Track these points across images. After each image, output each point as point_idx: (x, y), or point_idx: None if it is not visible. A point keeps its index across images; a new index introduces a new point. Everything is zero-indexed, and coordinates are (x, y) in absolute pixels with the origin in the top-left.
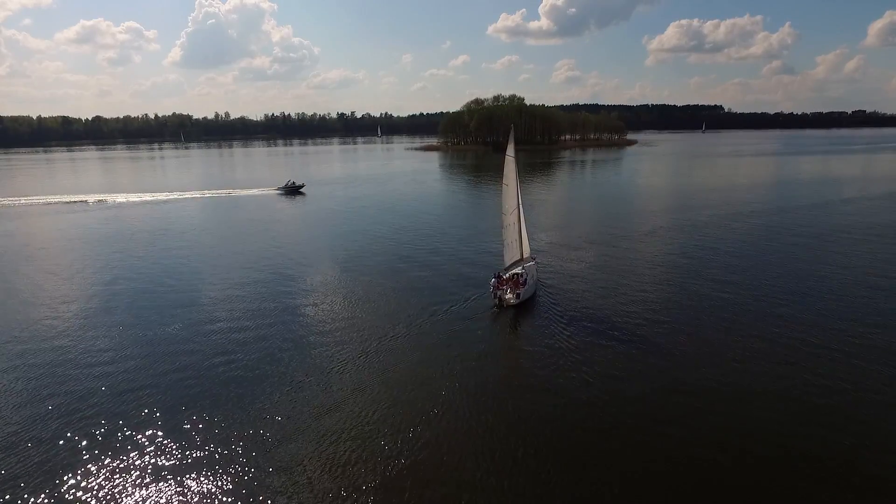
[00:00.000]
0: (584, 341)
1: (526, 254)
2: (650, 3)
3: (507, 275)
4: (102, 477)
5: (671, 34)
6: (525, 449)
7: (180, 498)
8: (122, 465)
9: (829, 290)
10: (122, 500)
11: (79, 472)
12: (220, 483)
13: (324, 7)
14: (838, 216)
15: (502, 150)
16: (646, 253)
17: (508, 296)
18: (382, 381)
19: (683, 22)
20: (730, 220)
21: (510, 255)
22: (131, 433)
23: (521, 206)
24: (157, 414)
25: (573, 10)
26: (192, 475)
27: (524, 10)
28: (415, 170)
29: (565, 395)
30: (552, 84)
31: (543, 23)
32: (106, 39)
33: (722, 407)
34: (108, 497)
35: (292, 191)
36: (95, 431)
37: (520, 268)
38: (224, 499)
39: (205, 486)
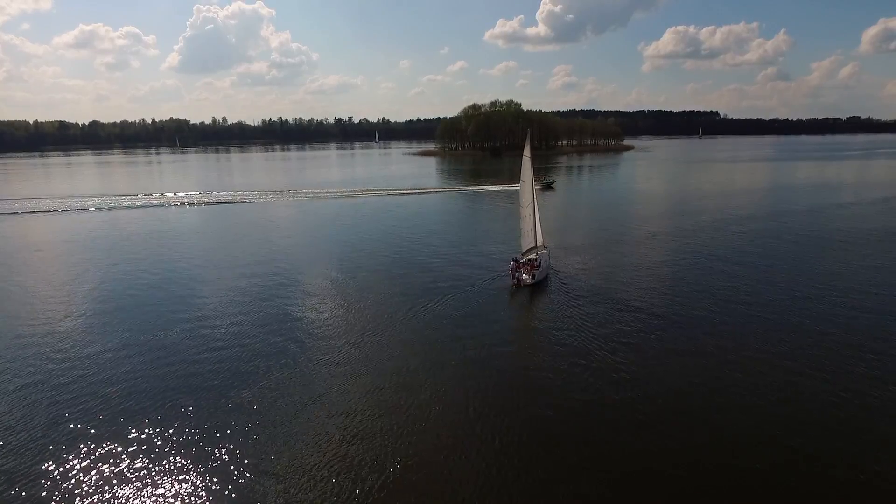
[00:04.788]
0: (586, 316)
1: (539, 242)
2: (647, 9)
3: (524, 259)
4: (93, 472)
5: (667, 40)
6: (528, 414)
7: (177, 492)
8: (112, 462)
9: (826, 292)
10: (112, 494)
11: (69, 468)
12: (228, 476)
13: (322, 13)
14: (834, 221)
15: (500, 156)
16: (642, 252)
17: (525, 277)
18: (415, 348)
19: (680, 28)
20: (726, 224)
21: (526, 243)
22: (126, 431)
23: (535, 200)
24: (156, 412)
25: (571, 16)
26: (192, 469)
27: (522, 16)
28: (414, 174)
29: (571, 360)
30: (549, 90)
31: (541, 29)
32: (104, 44)
33: (707, 400)
34: (102, 490)
35: (546, 186)
36: (87, 428)
37: (534, 254)
38: (233, 491)
39: (211, 479)
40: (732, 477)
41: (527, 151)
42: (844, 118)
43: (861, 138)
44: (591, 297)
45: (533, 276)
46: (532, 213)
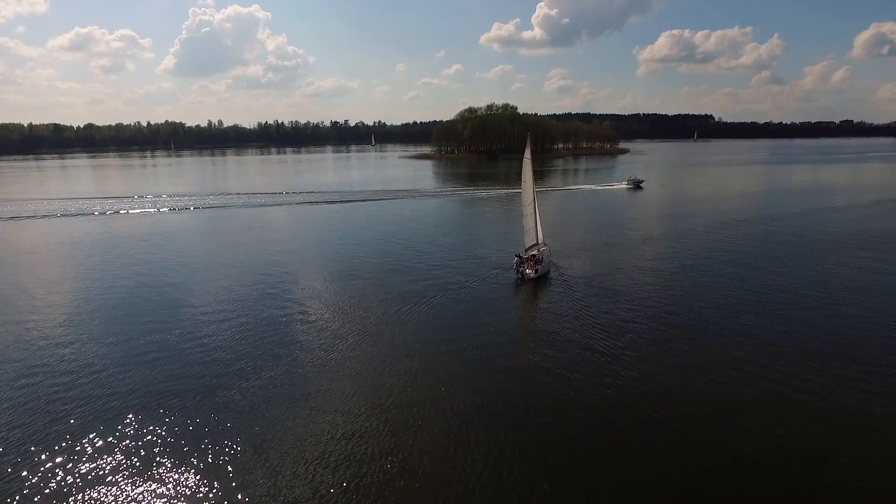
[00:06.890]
0: (585, 308)
1: (540, 239)
2: (642, 13)
3: (527, 255)
4: (84, 470)
5: (662, 44)
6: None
7: (167, 490)
8: (104, 459)
9: (821, 292)
10: (104, 492)
11: (61, 465)
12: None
13: (319, 16)
14: (829, 223)
15: (496, 159)
16: (637, 251)
17: (528, 271)
18: (421, 342)
19: (675, 32)
20: (720, 227)
21: (528, 240)
22: (118, 429)
23: (536, 199)
24: (148, 411)
25: (566, 20)
26: (182, 468)
27: (517, 19)
28: (411, 177)
29: (572, 351)
30: (545, 93)
31: (536, 32)
32: (100, 47)
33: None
34: (92, 487)
35: (636, 186)
36: (79, 427)
37: (536, 250)
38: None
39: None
40: (732, 476)
41: (527, 154)
42: (837, 122)
43: (854, 142)
44: (589, 289)
45: (536, 271)
46: (533, 211)
